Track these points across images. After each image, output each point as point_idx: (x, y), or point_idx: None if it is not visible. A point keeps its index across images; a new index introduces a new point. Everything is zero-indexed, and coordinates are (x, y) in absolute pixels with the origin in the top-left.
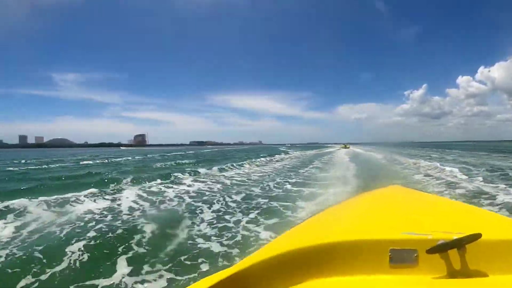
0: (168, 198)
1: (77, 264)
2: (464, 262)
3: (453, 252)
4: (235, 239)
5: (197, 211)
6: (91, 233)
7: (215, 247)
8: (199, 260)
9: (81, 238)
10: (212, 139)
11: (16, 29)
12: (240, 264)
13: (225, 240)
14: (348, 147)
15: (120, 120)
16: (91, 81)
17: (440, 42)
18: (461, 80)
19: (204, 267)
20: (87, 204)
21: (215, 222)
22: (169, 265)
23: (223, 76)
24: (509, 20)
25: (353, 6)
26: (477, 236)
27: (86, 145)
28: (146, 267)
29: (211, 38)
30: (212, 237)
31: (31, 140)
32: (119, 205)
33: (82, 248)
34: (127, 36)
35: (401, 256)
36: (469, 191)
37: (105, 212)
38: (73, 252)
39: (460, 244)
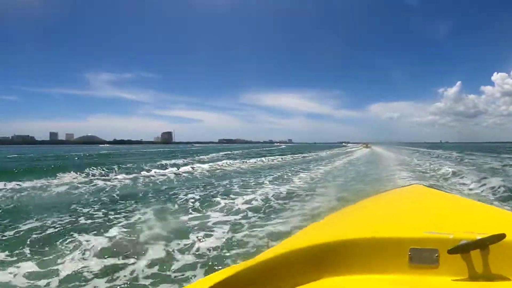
0: None
1: None
2: (487, 264)
3: (476, 253)
4: None
5: None
6: None
7: None
8: None
9: None
10: (242, 137)
11: (53, 30)
12: (258, 258)
13: None
14: (370, 147)
15: (152, 118)
16: (123, 80)
17: (474, 36)
18: (496, 76)
19: None
20: None
21: None
22: None
23: (253, 75)
24: None
25: (381, 2)
26: (501, 237)
27: (114, 142)
28: None
29: (242, 36)
30: None
31: (61, 137)
32: None
33: None
34: (158, 36)
35: (421, 256)
36: None
37: None
38: None
39: (483, 244)
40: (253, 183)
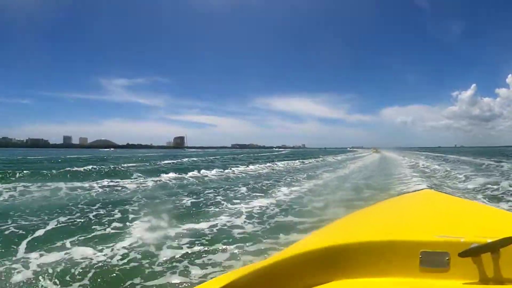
0: None
1: None
2: (498, 268)
3: (487, 256)
4: None
5: None
6: None
7: None
8: None
9: None
10: (255, 142)
11: (67, 36)
12: (269, 260)
13: None
14: (379, 152)
15: (165, 122)
16: (137, 85)
17: (488, 37)
18: (511, 79)
19: None
20: None
21: None
22: None
23: (265, 79)
24: None
25: (392, 3)
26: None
27: (127, 146)
28: None
29: (253, 41)
30: None
31: (75, 140)
32: None
33: None
34: (170, 41)
35: (432, 259)
36: None
37: None
38: None
39: (494, 248)
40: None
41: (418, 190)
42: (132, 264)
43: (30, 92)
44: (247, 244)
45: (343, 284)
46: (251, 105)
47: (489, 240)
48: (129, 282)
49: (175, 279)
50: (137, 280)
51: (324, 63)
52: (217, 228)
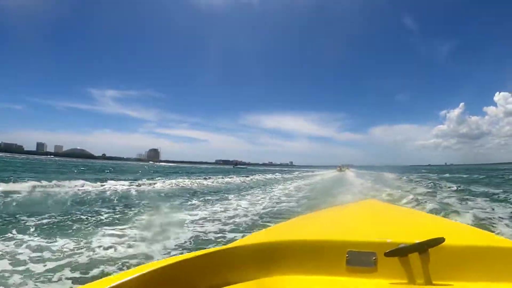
0: None
1: None
2: (426, 267)
3: (415, 256)
4: None
5: None
6: None
7: None
8: None
9: None
10: (243, 158)
11: (59, 44)
12: (206, 250)
13: None
14: (344, 170)
15: (154, 136)
16: (128, 97)
17: (475, 56)
18: (499, 96)
19: None
20: None
21: None
22: None
23: (256, 96)
24: None
25: (383, 23)
26: (440, 240)
27: (103, 157)
28: None
29: (245, 58)
30: None
31: (50, 148)
32: None
33: None
34: (163, 55)
35: (359, 258)
36: None
37: None
38: None
39: (422, 248)
40: None
41: (363, 200)
42: None
43: (20, 97)
44: None
45: (273, 280)
46: (241, 122)
47: (417, 241)
48: None
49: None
50: None
51: (315, 82)
52: None
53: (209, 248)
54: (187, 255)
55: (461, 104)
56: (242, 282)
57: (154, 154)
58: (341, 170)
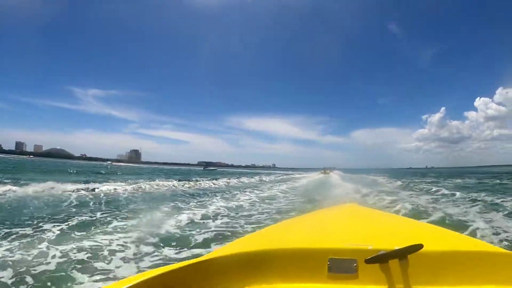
0: None
1: None
2: (405, 273)
3: (395, 262)
4: None
5: None
6: None
7: None
8: None
9: None
10: (226, 160)
11: (41, 42)
12: (184, 263)
13: None
14: (328, 173)
15: (137, 136)
16: (111, 97)
17: (457, 62)
18: (479, 102)
19: None
20: None
21: None
22: None
23: (240, 98)
24: None
25: (367, 28)
26: (419, 247)
27: (82, 158)
28: None
29: (229, 61)
30: None
31: (30, 148)
32: None
33: None
34: (147, 56)
35: (340, 265)
36: None
37: None
38: None
39: (401, 254)
40: None
41: (343, 204)
42: None
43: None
44: None
45: None
46: (225, 124)
47: (397, 247)
48: None
49: None
50: None
51: (298, 86)
52: None
53: (183, 261)
54: (163, 269)
55: (442, 108)
56: None
57: (135, 155)
58: (326, 173)
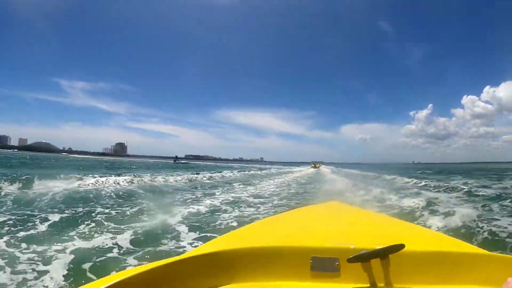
0: None
1: None
2: (387, 272)
3: (376, 262)
4: None
5: None
6: None
7: None
8: None
9: None
10: (214, 154)
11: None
12: (167, 260)
13: None
14: (318, 167)
15: (125, 130)
16: (98, 90)
17: (445, 61)
18: (466, 100)
19: None
20: None
21: None
22: None
23: (228, 92)
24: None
25: (357, 25)
26: (400, 247)
27: (68, 151)
28: None
29: (217, 54)
30: None
31: (14, 142)
32: None
33: None
34: (134, 48)
35: (322, 264)
36: None
37: None
38: None
39: (383, 254)
40: None
41: (326, 202)
42: None
43: None
44: None
45: (239, 287)
46: (213, 118)
47: (379, 247)
48: None
49: None
50: None
51: (286, 80)
52: None
53: (162, 260)
54: (138, 269)
55: (430, 105)
56: None
57: (120, 148)
58: (316, 167)
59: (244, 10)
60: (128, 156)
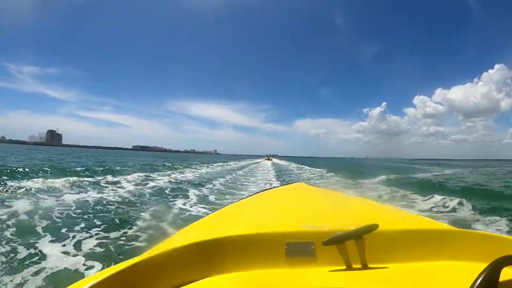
0: None
1: None
2: (362, 253)
3: (351, 243)
4: None
5: None
6: None
7: None
8: None
9: None
10: (166, 145)
11: None
12: (134, 260)
13: None
14: (271, 160)
15: (76, 118)
16: (48, 75)
17: (399, 61)
18: (418, 100)
19: None
20: None
21: None
22: None
23: (182, 82)
24: (464, 45)
25: (313, 21)
26: (374, 227)
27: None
28: None
29: (172, 41)
30: None
31: None
32: None
33: None
34: (87, 32)
35: (298, 249)
36: None
37: None
38: None
39: (357, 235)
40: None
41: (291, 184)
42: None
43: None
44: None
45: (212, 281)
46: (166, 108)
47: (352, 228)
48: None
49: None
50: None
51: (241, 73)
52: None
53: (130, 259)
54: (107, 271)
55: (383, 103)
56: (186, 284)
57: (50, 137)
58: (270, 159)
59: (200, 4)
60: (64, 146)
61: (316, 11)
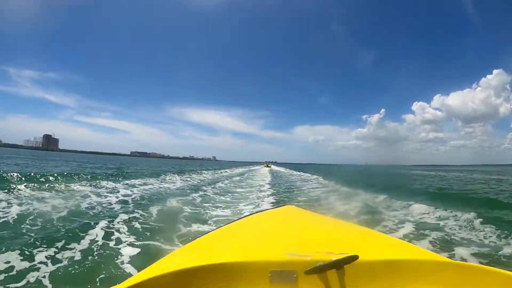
0: None
1: None
2: (342, 282)
3: (332, 273)
4: None
5: None
6: None
7: None
8: None
9: None
10: (164, 151)
11: None
12: (126, 283)
13: None
14: (270, 166)
15: (75, 124)
16: (48, 80)
17: (397, 68)
18: (417, 106)
19: None
20: None
21: None
22: None
23: (181, 89)
24: (463, 50)
25: (311, 28)
26: (354, 258)
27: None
28: None
29: (172, 48)
30: None
31: None
32: None
33: None
34: (87, 38)
35: (281, 277)
36: None
37: None
38: None
39: (338, 265)
40: None
41: (281, 206)
42: None
43: None
44: None
45: None
46: (165, 114)
47: (334, 258)
48: None
49: None
50: None
51: (240, 79)
52: None
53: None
54: None
55: (382, 110)
56: None
57: (45, 142)
58: (268, 166)
59: (200, 13)
60: (61, 151)
61: (314, 19)
